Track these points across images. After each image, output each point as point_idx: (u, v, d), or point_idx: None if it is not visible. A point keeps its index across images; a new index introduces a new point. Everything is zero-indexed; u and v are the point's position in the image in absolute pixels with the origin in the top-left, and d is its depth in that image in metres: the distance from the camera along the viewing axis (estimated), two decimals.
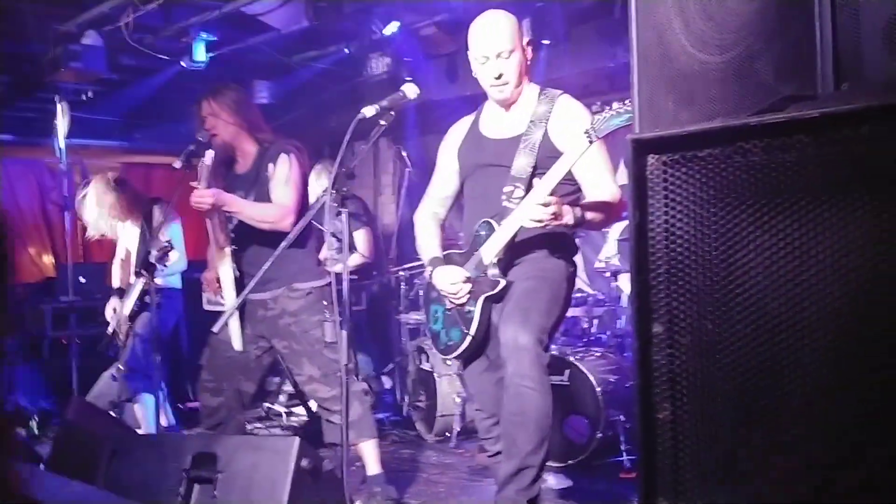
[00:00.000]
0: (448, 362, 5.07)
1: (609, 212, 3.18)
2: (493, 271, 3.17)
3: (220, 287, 3.90)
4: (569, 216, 2.97)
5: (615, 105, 2.80)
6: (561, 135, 3.15)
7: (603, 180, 3.16)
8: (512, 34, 3.18)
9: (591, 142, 2.86)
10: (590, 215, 3.08)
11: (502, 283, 3.15)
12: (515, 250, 3.18)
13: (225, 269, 3.81)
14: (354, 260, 5.87)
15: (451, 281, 3.24)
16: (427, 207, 3.55)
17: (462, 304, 3.26)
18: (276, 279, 3.75)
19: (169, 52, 6.24)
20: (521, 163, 3.15)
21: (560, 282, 3.21)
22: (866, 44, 1.66)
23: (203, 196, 3.58)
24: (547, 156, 3.11)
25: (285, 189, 3.76)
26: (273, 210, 3.73)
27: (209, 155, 3.66)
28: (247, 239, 3.84)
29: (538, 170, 3.12)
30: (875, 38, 1.64)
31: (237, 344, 3.81)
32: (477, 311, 3.21)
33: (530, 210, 2.93)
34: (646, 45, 1.93)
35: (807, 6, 1.65)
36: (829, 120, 1.53)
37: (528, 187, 3.11)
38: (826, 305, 1.56)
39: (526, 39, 3.26)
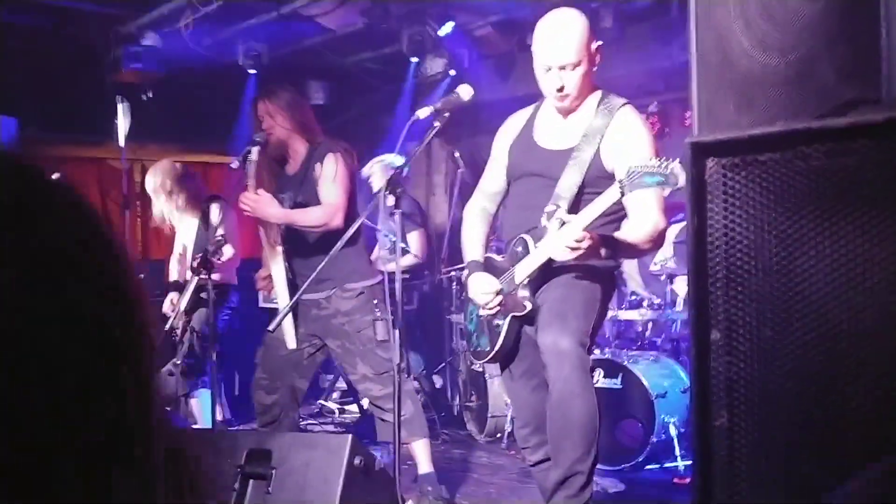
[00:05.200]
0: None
1: (647, 243, 3.04)
2: (524, 293, 3.09)
3: (271, 285, 3.95)
4: (601, 251, 2.87)
5: (654, 163, 2.66)
6: (612, 155, 3.02)
7: (646, 210, 3.00)
8: (579, 45, 2.99)
9: (622, 194, 2.75)
10: (624, 246, 2.98)
11: (528, 306, 3.07)
12: (549, 270, 3.08)
13: (277, 268, 3.86)
14: (407, 260, 5.89)
15: (482, 291, 3.18)
16: (477, 202, 3.45)
17: (492, 316, 3.22)
18: (328, 279, 3.78)
19: (226, 52, 6.33)
20: (568, 181, 3.03)
21: (594, 287, 3.09)
22: None
23: (246, 205, 3.68)
24: (596, 175, 3.00)
25: (332, 187, 3.79)
26: (320, 212, 3.76)
27: (255, 151, 3.72)
28: (298, 239, 3.89)
29: (585, 189, 3.01)
30: None
31: (291, 343, 3.86)
32: (504, 326, 3.16)
33: (560, 248, 2.83)
34: (705, 47, 1.90)
35: (872, 7, 1.61)
36: (893, 125, 1.49)
37: (571, 208, 2.99)
38: (889, 313, 1.53)
39: (595, 45, 3.07)
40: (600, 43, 3.10)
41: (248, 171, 3.73)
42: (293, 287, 3.79)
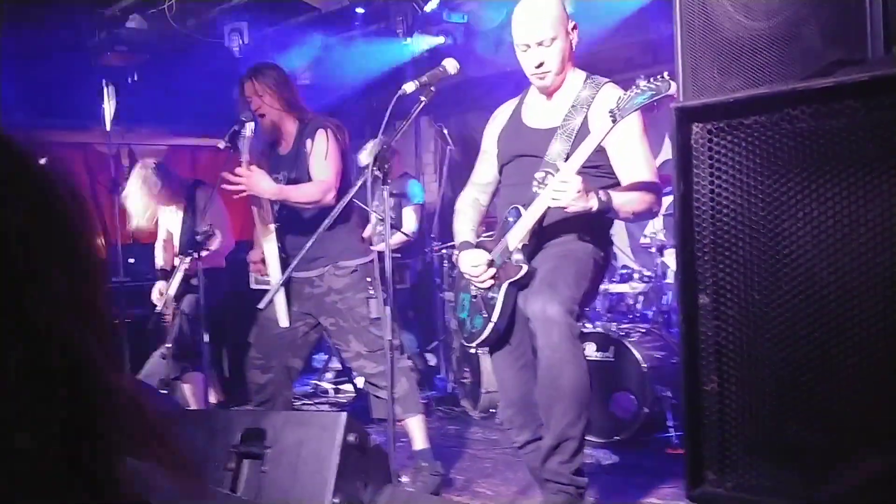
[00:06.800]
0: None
1: (642, 199, 3.04)
2: (518, 257, 3.09)
3: (264, 266, 3.94)
4: (593, 200, 2.86)
5: (641, 83, 2.70)
6: (600, 124, 3.01)
7: (637, 169, 3.05)
8: (554, 21, 3.05)
9: (614, 121, 2.76)
10: (619, 201, 2.96)
11: (524, 268, 3.07)
12: (541, 236, 3.10)
13: (270, 247, 3.85)
14: (398, 238, 5.89)
15: (473, 263, 3.18)
16: (468, 194, 3.48)
17: (486, 290, 3.20)
18: (321, 257, 3.77)
19: (212, 33, 6.28)
20: (556, 149, 3.07)
21: (586, 259, 3.11)
22: None
23: (238, 183, 3.64)
24: (583, 142, 3.00)
25: (324, 164, 3.77)
26: (314, 188, 3.75)
27: (249, 127, 3.70)
28: (291, 218, 3.87)
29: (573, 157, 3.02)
30: None
31: (283, 321, 3.85)
32: (500, 296, 3.13)
33: (553, 187, 2.84)
34: (689, 12, 1.89)
35: None
36: (879, 84, 1.49)
37: None
38: (876, 275, 1.53)
39: (571, 24, 3.13)
40: (575, 23, 3.14)
41: (241, 148, 3.70)
42: (286, 266, 3.78)
